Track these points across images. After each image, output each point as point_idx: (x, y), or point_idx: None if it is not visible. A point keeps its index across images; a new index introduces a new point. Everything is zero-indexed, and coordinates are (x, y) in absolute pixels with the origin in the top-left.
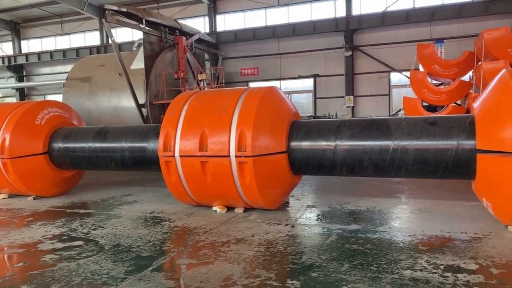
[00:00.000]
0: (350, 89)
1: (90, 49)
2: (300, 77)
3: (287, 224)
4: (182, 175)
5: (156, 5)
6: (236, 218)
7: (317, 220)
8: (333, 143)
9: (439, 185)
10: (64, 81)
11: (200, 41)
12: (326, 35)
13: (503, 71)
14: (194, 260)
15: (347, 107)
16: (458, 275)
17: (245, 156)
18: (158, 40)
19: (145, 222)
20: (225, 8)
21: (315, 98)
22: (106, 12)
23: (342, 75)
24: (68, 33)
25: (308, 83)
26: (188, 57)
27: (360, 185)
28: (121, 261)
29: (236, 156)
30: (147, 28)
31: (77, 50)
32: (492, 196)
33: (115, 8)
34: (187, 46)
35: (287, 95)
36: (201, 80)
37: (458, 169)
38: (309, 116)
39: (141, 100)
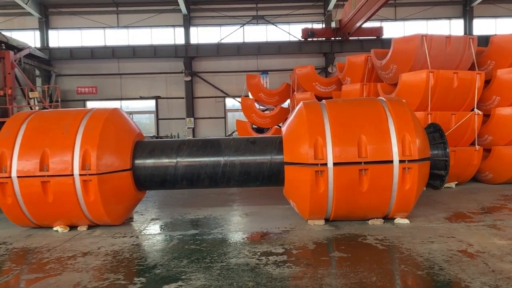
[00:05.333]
0: (191, 111)
1: None
2: (141, 98)
3: (132, 236)
4: (19, 196)
5: None
6: (80, 235)
7: (160, 230)
8: (174, 160)
9: (264, 194)
10: None
11: (30, 56)
12: (166, 60)
13: (300, 103)
14: (41, 274)
15: (188, 128)
16: (269, 257)
17: (90, 174)
18: None
19: None
20: (59, 24)
21: (158, 119)
22: None
23: (183, 98)
24: None
25: (150, 104)
26: (16, 73)
27: (200, 198)
28: None
29: (80, 175)
30: None
31: None
32: (295, 197)
33: None
34: (15, 61)
35: (129, 115)
36: (32, 98)
37: (272, 178)
38: (151, 136)
39: None
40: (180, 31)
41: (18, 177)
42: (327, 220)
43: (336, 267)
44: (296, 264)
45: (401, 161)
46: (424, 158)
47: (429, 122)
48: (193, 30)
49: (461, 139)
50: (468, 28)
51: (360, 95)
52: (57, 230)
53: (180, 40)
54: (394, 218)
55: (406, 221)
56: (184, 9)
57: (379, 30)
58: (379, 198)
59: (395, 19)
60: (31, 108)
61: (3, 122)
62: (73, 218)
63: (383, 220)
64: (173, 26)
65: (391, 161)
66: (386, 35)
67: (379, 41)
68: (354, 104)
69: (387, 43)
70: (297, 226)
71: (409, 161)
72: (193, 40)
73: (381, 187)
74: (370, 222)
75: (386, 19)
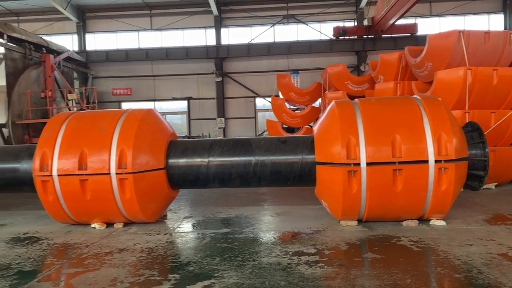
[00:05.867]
0: (221, 111)
1: None
2: (174, 99)
3: (166, 233)
4: (60, 194)
5: (17, 18)
6: (116, 232)
7: (193, 228)
8: (206, 160)
9: (294, 194)
10: None
11: (68, 59)
12: (198, 61)
13: (332, 102)
14: (80, 268)
15: (219, 128)
16: (301, 257)
17: (126, 173)
18: (22, 56)
19: (20, 242)
20: (95, 28)
21: (190, 119)
22: None
23: (214, 98)
24: None
25: (182, 105)
26: (56, 76)
27: (231, 198)
28: (2, 277)
29: (116, 173)
30: (9, 43)
31: None
32: (327, 197)
33: None
34: (55, 64)
35: (162, 115)
36: (70, 100)
37: (303, 178)
38: (183, 136)
39: (2, 120)
40: (211, 32)
41: (58, 175)
42: (360, 221)
43: (369, 268)
44: (329, 265)
45: (437, 161)
46: (461, 158)
47: (467, 121)
48: (224, 31)
49: (502, 138)
50: (509, 23)
51: (394, 93)
52: (94, 227)
53: (211, 41)
54: (430, 220)
55: (443, 222)
56: (215, 11)
57: (413, 27)
58: (414, 199)
59: (430, 15)
60: (69, 109)
61: (45, 123)
62: (109, 216)
63: (418, 222)
64: (205, 27)
65: (427, 161)
66: (420, 32)
67: (413, 38)
68: (388, 103)
69: (421, 40)
70: (329, 227)
71: (445, 161)
72: (224, 41)
73: (416, 187)
74: (404, 223)
75: (421, 16)
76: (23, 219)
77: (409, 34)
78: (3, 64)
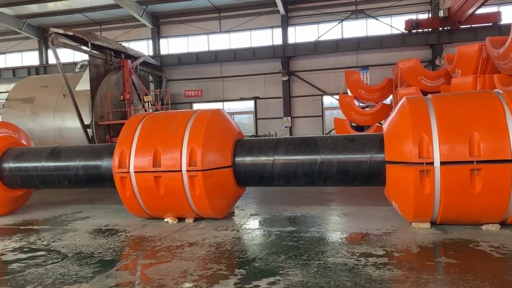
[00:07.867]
0: (288, 110)
1: (29, 69)
2: (241, 99)
3: (233, 229)
4: (136, 189)
5: (99, 27)
6: (187, 227)
7: (259, 225)
8: (271, 158)
9: (363, 194)
10: (3, 101)
11: (144, 63)
12: (265, 61)
13: (403, 98)
14: (154, 260)
15: (285, 127)
16: (369, 258)
17: (196, 170)
18: (104, 62)
19: (102, 234)
20: (168, 33)
21: (256, 119)
22: (53, 35)
23: (280, 97)
24: (4, 52)
25: (249, 105)
26: (133, 79)
27: (297, 196)
28: (86, 265)
29: (187, 171)
30: (92, 51)
31: (14, 70)
32: (398, 198)
33: (61, 31)
34: (132, 68)
35: (230, 115)
36: (146, 102)
37: (372, 177)
38: (251, 135)
39: (86, 121)
40: (278, 31)
41: (135, 172)
42: (433, 223)
43: (442, 273)
44: (398, 267)
45: None
46: None
47: None
48: (290, 29)
49: None
50: None
51: (473, 88)
52: (167, 222)
53: (278, 41)
54: None
55: None
56: (282, 10)
57: (496, 16)
58: (495, 202)
59: None
60: (145, 111)
61: (123, 124)
62: (181, 211)
63: (500, 226)
64: (271, 27)
65: (510, 161)
66: (505, 20)
67: (496, 28)
68: (465, 97)
69: (506, 29)
70: (400, 229)
71: None
72: (291, 40)
73: (497, 189)
74: (484, 227)
75: (506, 3)
76: (104, 212)
77: (491, 24)
78: (87, 70)
